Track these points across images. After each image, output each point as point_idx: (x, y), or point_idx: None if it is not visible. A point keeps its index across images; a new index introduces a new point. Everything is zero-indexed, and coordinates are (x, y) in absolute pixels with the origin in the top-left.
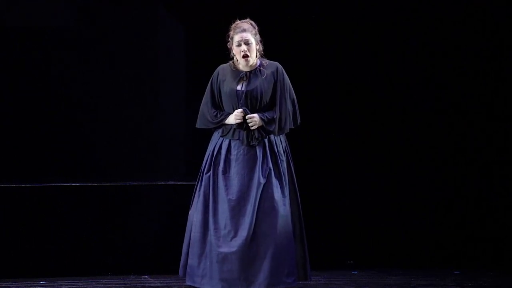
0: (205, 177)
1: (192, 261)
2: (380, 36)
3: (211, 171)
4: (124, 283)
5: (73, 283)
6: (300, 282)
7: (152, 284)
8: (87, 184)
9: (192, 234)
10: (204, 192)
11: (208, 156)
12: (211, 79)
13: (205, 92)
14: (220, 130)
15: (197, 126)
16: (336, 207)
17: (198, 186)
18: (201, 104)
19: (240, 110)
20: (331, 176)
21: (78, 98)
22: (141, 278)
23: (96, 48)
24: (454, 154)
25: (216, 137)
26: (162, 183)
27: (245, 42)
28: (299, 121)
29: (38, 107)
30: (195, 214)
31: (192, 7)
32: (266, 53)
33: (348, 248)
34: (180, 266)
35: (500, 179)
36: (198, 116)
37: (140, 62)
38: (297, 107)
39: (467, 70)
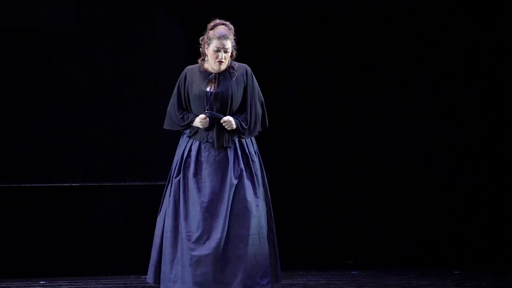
0: (174, 181)
1: (165, 267)
2: (375, 36)
3: (181, 175)
4: (124, 283)
5: (73, 283)
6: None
7: (152, 284)
8: (87, 184)
9: (164, 239)
10: (174, 196)
11: (178, 160)
12: (179, 81)
13: (173, 94)
14: (188, 131)
15: (165, 127)
16: (336, 207)
17: (168, 191)
18: (169, 105)
19: (203, 116)
20: (331, 176)
21: (78, 98)
22: (141, 278)
23: (95, 48)
24: (454, 154)
25: (184, 140)
26: (162, 183)
27: (224, 50)
28: (267, 124)
29: (38, 107)
30: (166, 219)
31: (192, 7)
32: (268, 53)
33: (348, 248)
34: (150, 273)
35: (500, 179)
36: (166, 117)
37: (140, 62)
38: (265, 110)
39: (466, 69)
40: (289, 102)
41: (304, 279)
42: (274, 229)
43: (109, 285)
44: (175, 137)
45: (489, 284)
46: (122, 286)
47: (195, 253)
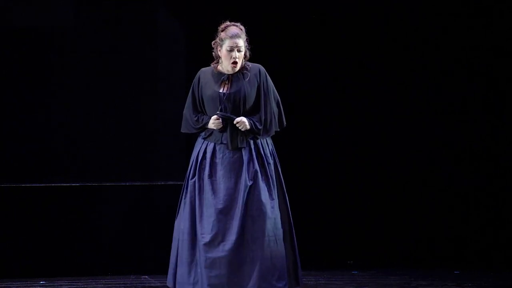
0: (190, 183)
1: (182, 269)
2: (375, 36)
3: (196, 177)
4: (124, 283)
5: (73, 283)
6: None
7: (152, 284)
8: (88, 184)
9: (181, 242)
10: (190, 198)
11: (193, 162)
12: (192, 83)
13: (187, 97)
14: (203, 133)
15: (182, 130)
16: (336, 207)
17: (184, 193)
18: (184, 108)
19: (215, 116)
20: (331, 176)
21: (78, 98)
22: (141, 278)
23: (95, 48)
24: (454, 154)
25: (200, 141)
26: (162, 183)
27: (238, 49)
28: (284, 123)
29: (38, 107)
30: (182, 222)
31: (192, 7)
32: (268, 53)
33: (348, 248)
34: (169, 275)
35: (500, 179)
36: (182, 120)
37: (140, 62)
38: (282, 109)
39: (466, 69)
40: (289, 102)
41: (304, 279)
42: (294, 232)
43: (109, 285)
44: (175, 137)
45: (489, 284)
46: (122, 286)
47: (209, 254)
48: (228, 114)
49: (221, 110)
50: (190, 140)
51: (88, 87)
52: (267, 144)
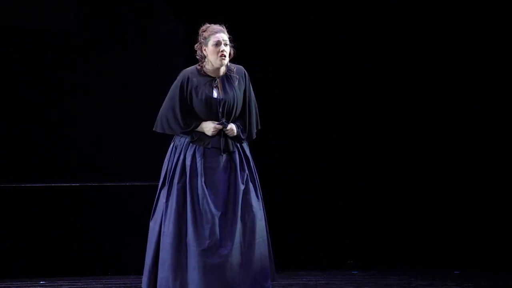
0: (177, 186)
1: (166, 273)
2: (375, 36)
3: (186, 180)
4: (124, 283)
5: (73, 283)
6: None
7: None
8: (88, 184)
9: (163, 245)
10: (178, 203)
11: (177, 164)
12: (179, 84)
13: (171, 96)
14: (189, 136)
15: (158, 130)
16: (336, 207)
17: (165, 195)
18: (164, 107)
19: (219, 126)
20: (331, 176)
21: (78, 98)
22: (141, 278)
23: (95, 48)
24: (454, 154)
25: (183, 143)
26: None
27: (224, 43)
28: (259, 126)
29: (38, 107)
30: (165, 225)
31: (192, 7)
32: (267, 53)
33: (348, 248)
34: (145, 279)
35: (500, 179)
36: (159, 119)
37: (140, 62)
38: (257, 112)
39: (466, 69)
40: (289, 102)
41: (304, 279)
42: (268, 228)
43: (109, 285)
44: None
45: (489, 284)
46: (122, 286)
47: (208, 260)
48: (226, 123)
49: (216, 115)
50: None
51: (88, 87)
52: (247, 146)
